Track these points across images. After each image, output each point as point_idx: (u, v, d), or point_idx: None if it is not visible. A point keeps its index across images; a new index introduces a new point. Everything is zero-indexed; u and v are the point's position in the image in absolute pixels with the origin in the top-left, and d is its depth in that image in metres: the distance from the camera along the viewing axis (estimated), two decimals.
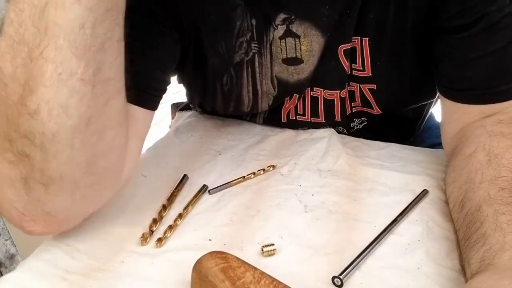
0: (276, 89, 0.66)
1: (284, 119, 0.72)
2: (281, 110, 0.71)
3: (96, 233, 0.49)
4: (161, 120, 0.65)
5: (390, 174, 0.62)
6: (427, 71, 0.62)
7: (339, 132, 0.74)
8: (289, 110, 0.71)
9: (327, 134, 0.71)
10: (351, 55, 0.63)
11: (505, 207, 0.44)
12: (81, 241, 0.48)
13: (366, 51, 0.62)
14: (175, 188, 0.57)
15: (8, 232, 1.04)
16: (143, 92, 0.52)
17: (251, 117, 0.76)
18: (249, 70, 0.64)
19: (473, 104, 0.57)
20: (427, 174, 0.62)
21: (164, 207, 0.54)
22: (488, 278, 0.37)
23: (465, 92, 0.57)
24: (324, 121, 0.71)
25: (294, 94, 0.68)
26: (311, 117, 0.71)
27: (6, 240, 1.03)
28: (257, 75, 0.64)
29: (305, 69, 0.63)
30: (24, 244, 1.08)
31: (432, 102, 0.76)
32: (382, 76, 0.64)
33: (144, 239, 0.48)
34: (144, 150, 0.61)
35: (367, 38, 0.61)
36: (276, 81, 0.65)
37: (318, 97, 0.68)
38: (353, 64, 0.64)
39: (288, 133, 0.74)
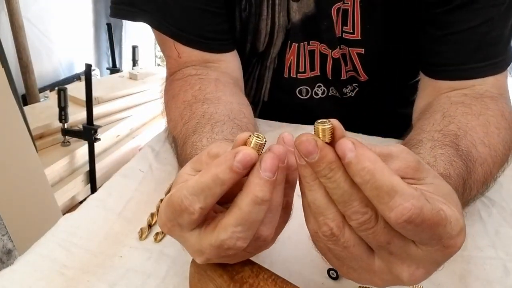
0: (290, 22, 0.67)
1: (286, 74, 0.73)
2: (284, 60, 0.72)
3: (93, 228, 0.49)
4: (159, 115, 0.66)
5: None
6: (414, 47, 0.64)
7: (332, 96, 0.75)
8: (290, 64, 0.72)
9: None
10: (343, 17, 0.64)
11: (443, 147, 0.46)
12: (78, 236, 0.48)
13: (357, 12, 0.63)
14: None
15: (5, 227, 1.03)
16: None
17: (257, 82, 0.76)
18: (270, 1, 0.65)
19: (443, 80, 0.59)
20: None
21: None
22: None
23: (436, 68, 0.60)
24: (319, 74, 0.72)
25: (293, 44, 0.69)
26: (310, 72, 0.72)
27: (3, 235, 1.02)
28: (276, 7, 0.65)
29: (301, 8, 0.65)
30: (21, 240, 1.08)
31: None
32: (370, 40, 0.65)
33: (142, 233, 0.48)
34: (142, 145, 0.61)
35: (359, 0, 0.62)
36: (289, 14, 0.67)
37: (315, 50, 0.70)
38: (344, 27, 0.65)
39: (286, 129, 0.73)
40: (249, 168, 0.30)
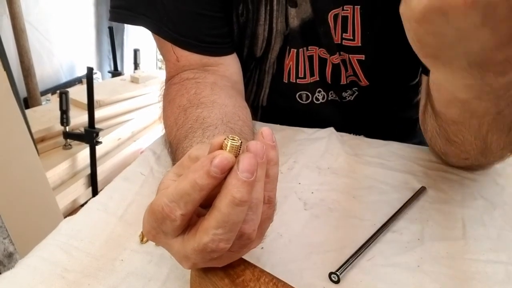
0: (289, 27, 0.67)
1: (285, 79, 0.73)
2: (283, 65, 0.72)
3: (95, 231, 0.49)
4: (161, 118, 0.66)
5: (389, 172, 0.62)
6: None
7: (332, 100, 0.75)
8: (290, 69, 0.72)
9: (326, 134, 0.71)
10: (343, 24, 0.64)
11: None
12: (79, 239, 0.48)
13: (357, 19, 0.63)
14: None
15: (6, 230, 1.03)
16: None
17: (258, 84, 0.77)
18: (268, 7, 0.65)
19: None
20: (426, 173, 0.62)
21: None
22: None
23: None
24: (318, 79, 0.72)
25: (292, 50, 0.69)
26: (310, 77, 0.72)
27: (4, 238, 1.02)
28: (274, 13, 0.65)
29: (299, 14, 0.65)
30: (23, 243, 1.08)
31: (419, 92, 0.79)
32: (371, 46, 0.65)
33: (143, 237, 0.48)
34: (143, 148, 0.61)
35: (359, 7, 0.62)
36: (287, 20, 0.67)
37: (313, 55, 0.70)
38: (344, 34, 0.65)
39: (287, 132, 0.73)
40: (227, 172, 0.30)
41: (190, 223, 0.33)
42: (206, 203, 0.32)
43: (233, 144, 0.30)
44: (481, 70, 0.32)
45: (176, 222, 0.31)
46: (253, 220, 0.32)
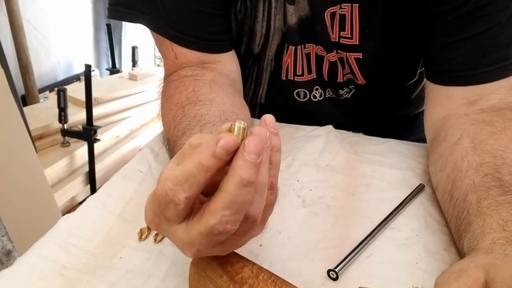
0: (287, 25, 0.67)
1: (283, 76, 0.73)
2: (281, 63, 0.72)
3: (93, 229, 0.49)
4: (159, 116, 0.66)
5: (388, 169, 0.62)
6: (412, 50, 0.65)
7: (329, 98, 0.75)
8: (288, 66, 0.72)
9: (325, 132, 0.71)
10: (340, 22, 0.64)
11: (486, 192, 0.45)
12: (78, 236, 0.48)
13: (356, 17, 0.63)
14: None
15: (5, 228, 1.03)
16: None
17: (255, 85, 0.77)
18: (266, 4, 0.65)
19: (455, 86, 0.58)
20: (425, 170, 0.62)
21: None
22: (461, 262, 0.38)
23: (448, 74, 0.59)
24: (316, 77, 0.72)
25: (290, 47, 0.69)
26: (307, 75, 0.72)
27: (2, 236, 1.02)
28: (272, 10, 0.65)
29: (297, 11, 0.65)
30: (21, 240, 1.08)
31: (416, 90, 0.79)
32: (369, 45, 0.65)
33: (142, 234, 0.48)
34: (141, 145, 0.61)
35: (357, 5, 0.62)
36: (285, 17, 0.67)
37: (310, 53, 0.70)
38: (341, 32, 0.65)
39: (285, 129, 0.73)
40: (232, 154, 0.30)
41: (193, 210, 0.33)
42: (208, 192, 0.32)
43: (240, 126, 0.30)
44: None
45: (180, 206, 0.31)
46: (259, 202, 0.33)
